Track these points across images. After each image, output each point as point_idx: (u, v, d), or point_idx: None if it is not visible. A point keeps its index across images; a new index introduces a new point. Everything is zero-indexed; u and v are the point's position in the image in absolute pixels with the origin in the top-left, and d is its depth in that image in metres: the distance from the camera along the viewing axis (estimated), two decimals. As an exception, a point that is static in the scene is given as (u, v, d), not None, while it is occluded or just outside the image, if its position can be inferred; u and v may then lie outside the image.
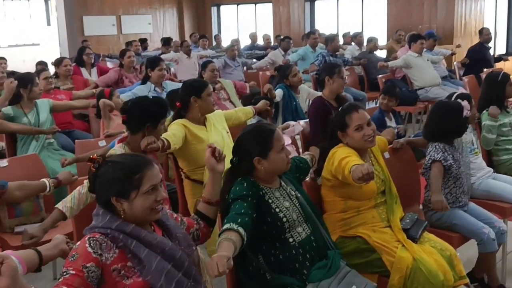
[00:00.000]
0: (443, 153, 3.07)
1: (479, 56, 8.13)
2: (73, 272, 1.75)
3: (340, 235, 2.72)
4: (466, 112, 3.12)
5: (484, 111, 3.90)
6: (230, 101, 5.91)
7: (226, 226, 2.11)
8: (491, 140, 3.82)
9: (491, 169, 3.65)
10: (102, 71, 6.92)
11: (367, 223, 2.71)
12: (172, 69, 8.51)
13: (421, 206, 3.35)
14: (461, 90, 4.89)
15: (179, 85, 5.48)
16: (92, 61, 7.01)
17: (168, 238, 2.00)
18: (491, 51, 9.37)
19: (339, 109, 2.91)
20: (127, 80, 6.25)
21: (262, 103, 4.15)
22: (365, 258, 2.63)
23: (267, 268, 2.29)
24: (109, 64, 8.83)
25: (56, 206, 2.69)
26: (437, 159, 3.07)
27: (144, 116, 2.92)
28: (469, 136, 3.56)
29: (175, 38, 13.51)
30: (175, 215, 2.18)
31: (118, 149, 2.92)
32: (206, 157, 2.26)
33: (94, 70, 6.93)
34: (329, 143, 2.84)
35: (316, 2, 13.68)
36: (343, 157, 2.62)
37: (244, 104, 5.18)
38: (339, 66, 4.48)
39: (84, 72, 6.76)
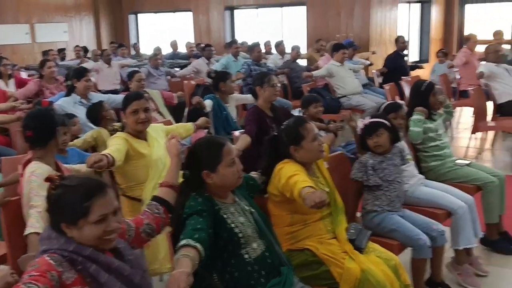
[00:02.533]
0: (365, 172, 3.17)
1: (395, 64, 8.51)
2: (37, 273, 1.63)
3: (288, 248, 2.71)
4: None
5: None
6: (159, 112, 5.78)
7: (183, 242, 2.04)
8: (418, 133, 3.90)
9: (422, 176, 3.79)
10: (20, 83, 6.56)
11: (314, 235, 2.72)
12: (92, 79, 8.20)
13: (359, 214, 3.42)
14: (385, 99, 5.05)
15: (105, 96, 5.31)
16: (9, 72, 6.62)
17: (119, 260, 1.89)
18: (406, 59, 9.87)
19: (286, 124, 2.88)
20: (48, 92, 5.96)
21: (202, 120, 4.07)
22: (314, 271, 2.64)
23: (221, 287, 2.23)
24: (24, 75, 8.37)
25: (28, 233, 2.48)
26: (357, 178, 3.17)
27: (51, 124, 2.83)
28: (401, 143, 3.69)
29: (93, 47, 13.07)
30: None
31: (36, 166, 2.71)
32: (170, 143, 2.38)
33: (11, 81, 6.55)
34: (274, 159, 2.81)
35: (235, 11, 13.75)
36: (290, 175, 2.60)
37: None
38: (269, 75, 4.49)
39: (1, 84, 6.36)
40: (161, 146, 3.25)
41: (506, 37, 10.64)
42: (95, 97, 5.11)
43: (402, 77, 7.70)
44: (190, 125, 4.01)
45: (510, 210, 4.15)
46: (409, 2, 12.71)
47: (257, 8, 13.73)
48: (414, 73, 8.92)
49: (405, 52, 9.18)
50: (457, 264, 3.56)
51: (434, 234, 3.14)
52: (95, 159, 2.71)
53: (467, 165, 4.02)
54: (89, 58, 10.65)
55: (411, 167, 3.70)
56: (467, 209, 3.48)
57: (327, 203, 2.41)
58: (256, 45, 8.20)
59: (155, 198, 2.21)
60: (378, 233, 3.13)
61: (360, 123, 3.37)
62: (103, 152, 2.89)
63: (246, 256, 2.31)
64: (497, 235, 3.95)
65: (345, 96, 7.29)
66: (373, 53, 10.82)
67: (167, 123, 4.34)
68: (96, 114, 4.30)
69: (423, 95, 4.09)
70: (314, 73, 7.52)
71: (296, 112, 7.79)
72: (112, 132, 3.43)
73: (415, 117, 3.95)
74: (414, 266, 3.15)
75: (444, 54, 9.07)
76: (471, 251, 3.61)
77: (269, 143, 2.90)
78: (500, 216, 3.96)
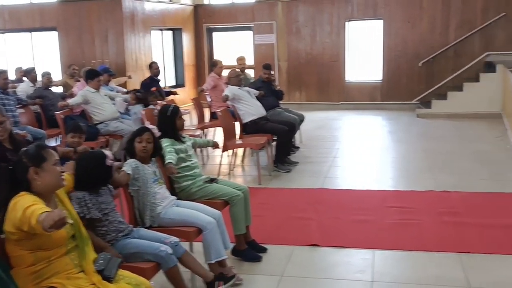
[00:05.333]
0: (81, 207, 3.08)
1: (150, 89, 8.70)
2: None
3: (34, 289, 2.54)
4: (109, 162, 3.27)
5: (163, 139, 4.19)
6: None
7: None
8: (174, 159, 4.04)
9: (174, 197, 3.93)
10: None
11: (61, 272, 2.60)
12: None
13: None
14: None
15: None
16: None
17: None
18: (162, 84, 10.18)
19: (28, 147, 2.70)
20: None
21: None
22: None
23: None
24: None
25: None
26: (80, 214, 3.02)
27: None
28: (152, 167, 3.78)
29: None
30: None
31: None
32: None
33: None
34: (10, 191, 2.59)
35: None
36: (27, 206, 2.43)
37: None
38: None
39: None
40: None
41: (249, 62, 11.79)
42: None
43: (158, 101, 7.90)
44: None
45: (255, 219, 4.57)
46: (161, 30, 13.17)
47: (3, 33, 12.71)
48: (170, 98, 9.25)
49: (159, 77, 9.47)
50: (213, 276, 3.77)
51: (169, 246, 3.23)
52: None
53: (215, 182, 4.31)
54: None
55: (162, 189, 3.82)
56: (216, 224, 3.72)
57: (69, 222, 2.31)
58: (2, 71, 7.56)
59: None
60: (128, 258, 3.13)
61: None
62: None
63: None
64: (245, 245, 4.30)
65: (102, 122, 7.18)
66: (129, 77, 10.91)
67: None
68: None
69: (170, 119, 4.28)
70: (70, 101, 7.23)
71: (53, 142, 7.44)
72: None
73: (165, 145, 4.10)
74: (169, 277, 3.24)
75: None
76: (224, 262, 3.85)
77: (4, 173, 2.65)
78: (247, 227, 4.34)
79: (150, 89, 8.67)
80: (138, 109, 7.53)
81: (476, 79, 11.11)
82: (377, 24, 12.69)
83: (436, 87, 11.89)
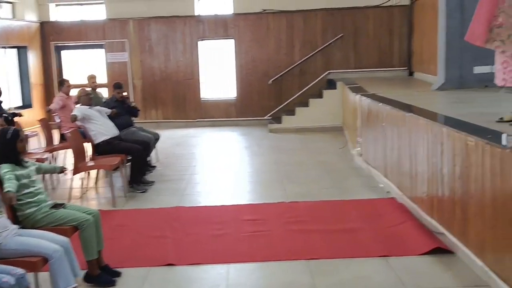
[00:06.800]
0: None
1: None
2: None
3: None
4: None
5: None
6: None
7: None
8: (13, 186, 3.79)
9: (16, 226, 3.70)
10: None
11: None
12: None
13: None
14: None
15: None
16: None
17: None
18: (6, 105, 9.49)
19: None
20: None
21: None
22: None
23: None
24: None
25: None
26: None
27: None
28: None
29: None
30: None
31: None
32: None
33: None
34: None
35: None
36: None
37: None
38: None
39: None
40: None
41: (101, 80, 11.47)
42: None
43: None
44: None
45: (110, 242, 4.46)
46: (4, 47, 12.29)
47: None
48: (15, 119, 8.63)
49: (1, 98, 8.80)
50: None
51: (15, 278, 3.08)
52: None
53: (63, 207, 4.12)
54: None
55: (2, 219, 3.58)
56: (63, 251, 3.57)
57: None
58: None
59: None
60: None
61: None
62: None
63: None
64: (98, 270, 4.17)
65: None
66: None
67: None
68: None
69: (10, 142, 4.03)
70: None
71: None
72: None
73: (4, 171, 3.84)
74: None
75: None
76: (74, 291, 3.71)
77: None
78: (99, 251, 4.22)
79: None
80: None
81: (320, 96, 11.98)
82: (230, 44, 13.13)
83: (285, 103, 12.59)
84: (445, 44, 8.41)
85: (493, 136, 3.87)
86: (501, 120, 4.64)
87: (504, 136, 3.65)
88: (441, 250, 4.45)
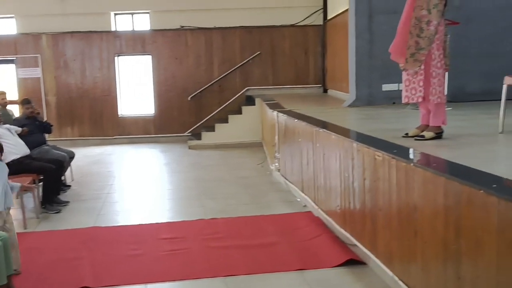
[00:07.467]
0: None
1: None
2: None
3: None
4: None
5: None
6: None
7: None
8: None
9: None
10: None
11: None
12: None
13: None
14: None
15: None
16: None
17: None
18: None
19: None
20: None
21: None
22: None
23: None
24: None
25: None
26: None
27: None
28: None
29: None
30: None
31: None
32: None
33: None
34: None
35: None
36: None
37: None
38: None
39: None
40: None
41: (12, 97, 10.97)
42: None
43: None
44: None
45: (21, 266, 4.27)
46: None
47: None
48: None
49: None
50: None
51: None
52: None
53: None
54: None
55: None
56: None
57: None
58: None
59: None
60: None
61: None
62: None
63: None
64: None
65: None
66: None
67: None
68: None
69: None
70: None
71: None
72: None
73: None
74: None
75: None
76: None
77: None
78: (8, 277, 4.03)
79: None
80: None
81: (239, 112, 12.14)
82: (147, 60, 13.02)
83: (205, 120, 12.64)
84: (355, 63, 8.84)
85: (398, 151, 4.11)
86: (406, 136, 4.94)
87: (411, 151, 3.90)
88: (354, 262, 4.65)
